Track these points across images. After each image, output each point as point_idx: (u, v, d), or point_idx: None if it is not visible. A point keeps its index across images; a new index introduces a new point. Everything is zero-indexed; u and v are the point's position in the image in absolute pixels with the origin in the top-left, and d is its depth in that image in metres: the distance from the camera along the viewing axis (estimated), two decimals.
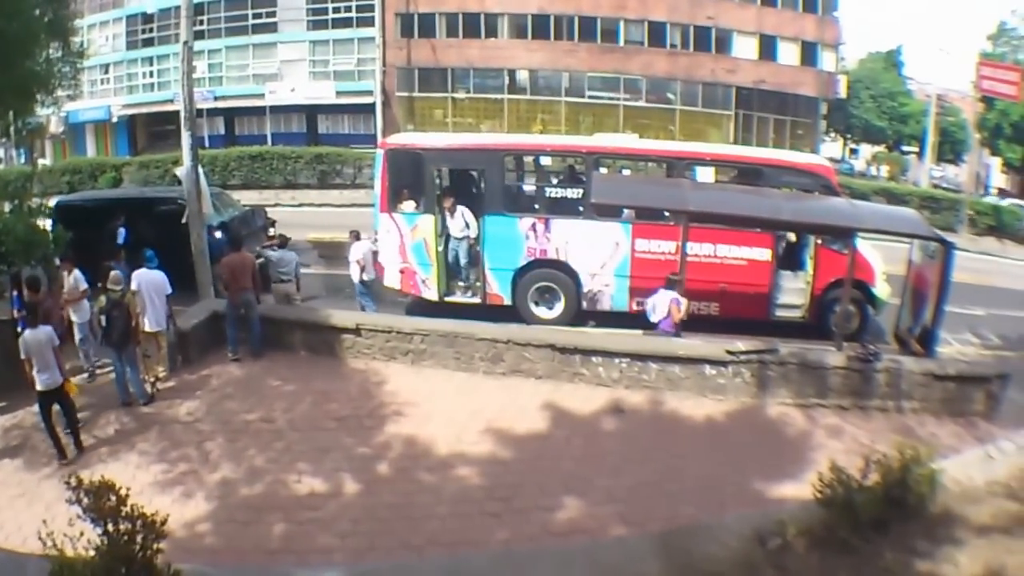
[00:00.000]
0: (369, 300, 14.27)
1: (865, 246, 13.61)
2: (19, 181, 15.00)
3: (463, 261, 14.71)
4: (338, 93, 40.46)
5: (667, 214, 13.78)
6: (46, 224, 13.00)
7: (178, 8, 14.65)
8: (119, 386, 10.49)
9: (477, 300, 14.65)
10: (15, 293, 11.35)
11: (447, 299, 14.78)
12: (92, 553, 5.63)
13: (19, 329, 9.80)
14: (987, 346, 14.73)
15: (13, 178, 16.27)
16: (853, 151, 65.19)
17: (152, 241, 12.57)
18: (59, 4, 12.90)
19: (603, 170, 15.13)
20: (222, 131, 42.94)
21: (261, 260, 13.76)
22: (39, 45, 12.36)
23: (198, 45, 13.76)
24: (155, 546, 5.78)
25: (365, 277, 14.13)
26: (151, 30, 43.23)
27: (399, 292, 15.11)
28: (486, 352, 11.31)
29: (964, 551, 6.60)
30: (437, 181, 14.57)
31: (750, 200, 12.85)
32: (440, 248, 14.49)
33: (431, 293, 14.76)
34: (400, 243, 14.56)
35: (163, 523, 5.88)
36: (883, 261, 14.07)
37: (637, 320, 13.89)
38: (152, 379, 10.99)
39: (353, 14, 39.90)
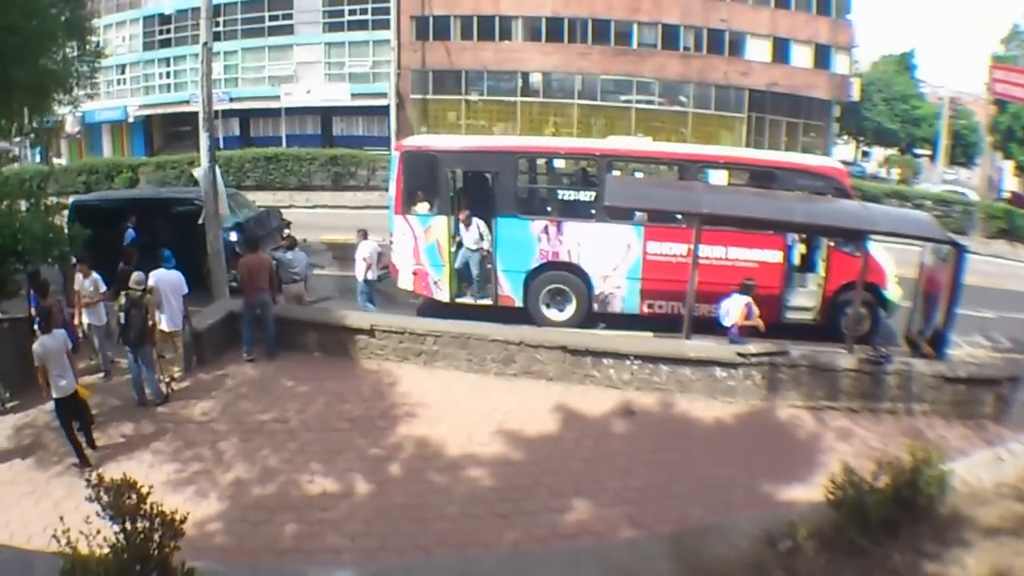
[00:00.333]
0: (369, 299, 14.34)
1: (877, 249, 13.60)
2: (36, 180, 15.04)
3: (475, 272, 14.73)
4: (353, 95, 40.56)
5: (679, 216, 13.81)
6: (63, 222, 13.08)
7: (195, 9, 14.83)
8: (135, 387, 10.56)
9: (489, 301, 14.72)
10: (32, 292, 11.23)
11: (458, 300, 14.86)
12: (106, 551, 5.65)
13: (34, 327, 9.66)
14: (997, 349, 14.67)
15: (29, 177, 16.35)
16: (865, 154, 64.80)
17: (169, 241, 12.70)
18: (76, 3, 12.99)
19: (616, 172, 15.17)
20: (237, 132, 43.12)
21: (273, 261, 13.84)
22: (56, 44, 12.41)
23: (215, 47, 13.85)
24: (172, 544, 5.82)
25: (370, 276, 14.22)
26: (168, 31, 43.51)
27: (411, 293, 15.21)
28: (498, 354, 11.35)
29: (972, 553, 6.59)
30: (451, 183, 14.68)
31: (763, 203, 12.84)
32: (453, 252, 14.55)
33: (443, 295, 14.85)
34: (414, 245, 14.66)
35: (182, 522, 5.91)
36: (895, 264, 14.05)
37: (647, 323, 13.96)
38: (167, 379, 11.08)
39: (368, 16, 39.97)
